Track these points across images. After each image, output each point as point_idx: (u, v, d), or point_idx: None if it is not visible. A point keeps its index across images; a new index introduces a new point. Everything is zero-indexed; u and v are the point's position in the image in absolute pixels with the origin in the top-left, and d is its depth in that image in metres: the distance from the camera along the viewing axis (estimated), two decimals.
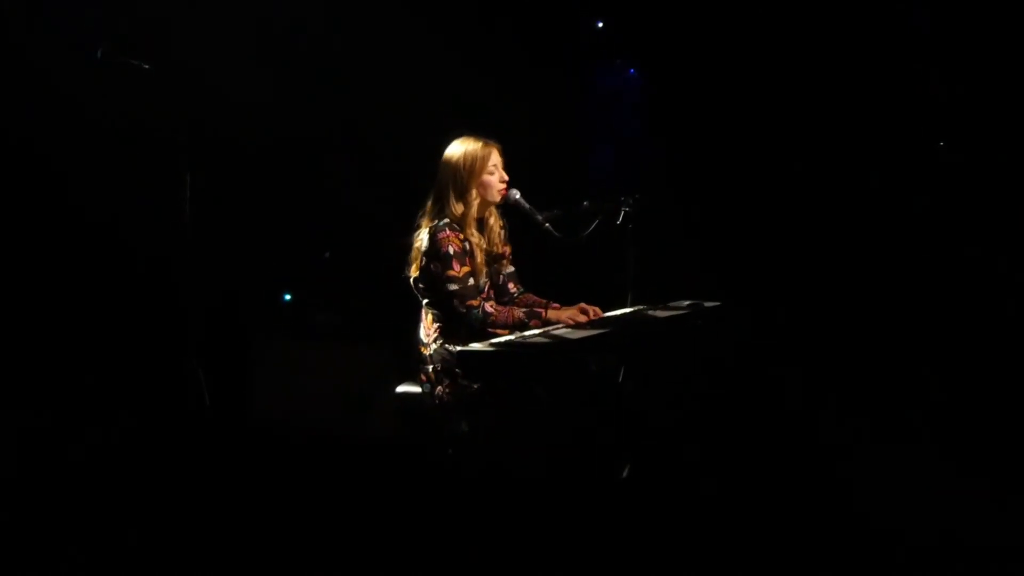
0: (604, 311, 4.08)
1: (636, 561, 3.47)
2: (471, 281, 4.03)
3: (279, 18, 5.65)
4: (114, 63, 4.62)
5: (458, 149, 4.13)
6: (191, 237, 4.71)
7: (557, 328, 3.96)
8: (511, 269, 4.31)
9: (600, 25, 6.33)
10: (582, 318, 4.02)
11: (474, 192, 4.11)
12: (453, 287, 3.99)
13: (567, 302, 4.17)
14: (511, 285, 4.30)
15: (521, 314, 4.02)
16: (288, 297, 6.02)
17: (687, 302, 4.35)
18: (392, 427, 4.58)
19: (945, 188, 5.63)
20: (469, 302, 3.99)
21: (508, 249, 4.28)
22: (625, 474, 4.02)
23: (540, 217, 4.17)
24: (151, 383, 5.22)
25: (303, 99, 5.70)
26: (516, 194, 4.17)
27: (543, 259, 4.43)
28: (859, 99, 5.77)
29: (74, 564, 3.43)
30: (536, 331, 3.93)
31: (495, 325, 3.99)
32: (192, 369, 4.67)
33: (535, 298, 4.29)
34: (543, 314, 4.03)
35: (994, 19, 5.48)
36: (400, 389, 4.20)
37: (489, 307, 4.02)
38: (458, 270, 4.00)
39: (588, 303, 4.17)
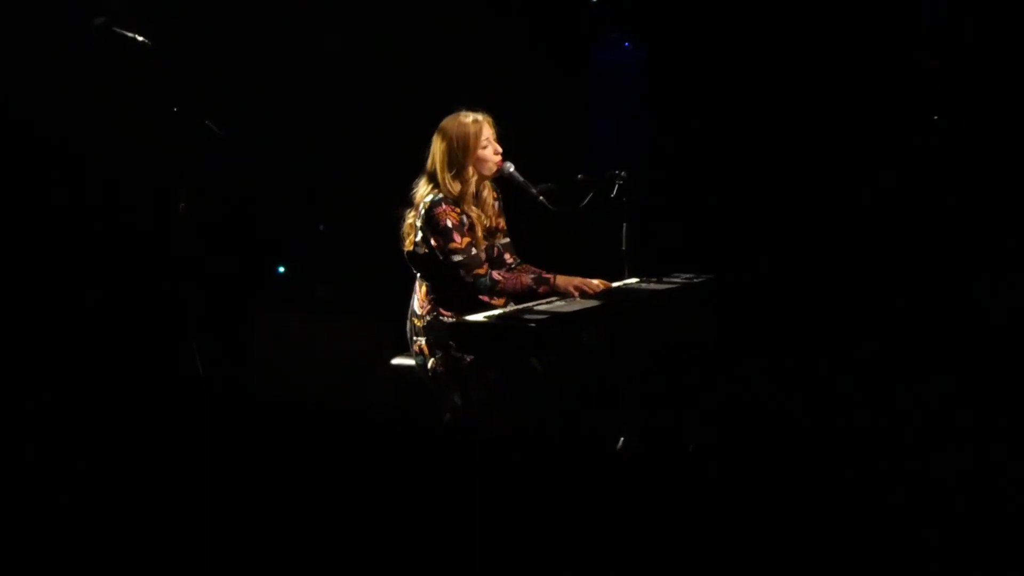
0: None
1: (630, 533, 3.49)
2: (474, 251, 4.03)
3: None
4: (110, 37, 4.60)
5: (450, 127, 4.09)
6: (187, 210, 4.70)
7: (553, 300, 3.98)
8: (506, 240, 4.30)
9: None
10: (595, 286, 4.02)
11: (470, 169, 4.09)
12: (458, 258, 3.99)
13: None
14: (507, 256, 4.29)
15: (529, 280, 4.02)
16: (282, 269, 6.03)
17: (683, 275, 4.37)
18: (388, 399, 4.60)
19: (942, 163, 5.64)
20: (476, 271, 4.00)
21: (502, 221, 4.27)
22: (619, 446, 4.04)
23: (534, 190, 4.17)
24: (148, 356, 5.23)
25: (299, 73, 5.69)
26: (510, 167, 4.17)
27: (537, 232, 4.43)
28: (858, 74, 5.77)
29: (71, 537, 3.45)
30: (530, 303, 3.94)
31: (503, 292, 3.99)
32: (188, 342, 4.68)
33: (533, 268, 4.29)
34: (552, 280, 4.03)
35: None
36: (395, 361, 4.22)
37: (496, 275, 4.02)
38: (460, 241, 3.99)
39: (585, 276, 4.19)
